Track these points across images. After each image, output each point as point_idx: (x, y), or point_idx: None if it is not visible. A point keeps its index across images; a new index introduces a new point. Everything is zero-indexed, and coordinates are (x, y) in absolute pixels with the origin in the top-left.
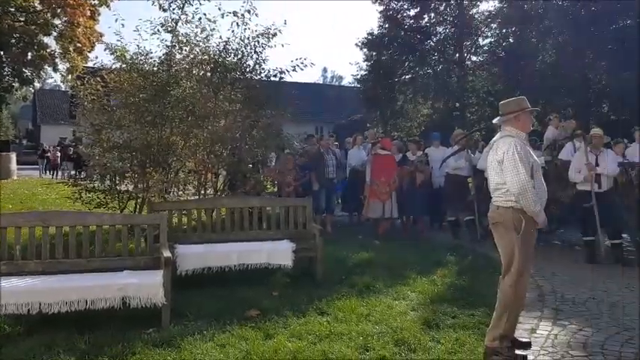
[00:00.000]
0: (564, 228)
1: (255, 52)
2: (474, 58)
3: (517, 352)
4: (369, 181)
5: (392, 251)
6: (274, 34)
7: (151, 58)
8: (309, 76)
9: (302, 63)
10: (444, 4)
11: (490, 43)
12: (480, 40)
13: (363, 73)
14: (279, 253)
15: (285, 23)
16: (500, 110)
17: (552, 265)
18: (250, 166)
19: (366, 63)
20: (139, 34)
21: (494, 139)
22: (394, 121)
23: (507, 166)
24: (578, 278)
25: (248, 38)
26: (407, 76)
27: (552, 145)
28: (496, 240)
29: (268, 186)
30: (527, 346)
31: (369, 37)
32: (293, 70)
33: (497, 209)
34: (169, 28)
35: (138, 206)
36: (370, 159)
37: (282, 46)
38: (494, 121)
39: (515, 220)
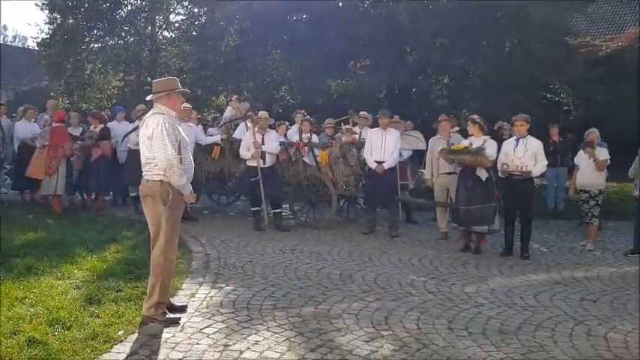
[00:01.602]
0: (240, 200)
1: None
2: (165, 34)
3: (170, 315)
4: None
5: (66, 229)
6: None
7: None
8: None
9: None
10: None
11: (182, 20)
12: (172, 16)
13: (44, 36)
14: None
15: None
16: (153, 88)
17: (224, 235)
18: None
19: (48, 26)
20: None
21: (146, 115)
22: (82, 91)
23: (156, 142)
24: (243, 245)
25: None
26: (96, 45)
27: (229, 124)
28: (145, 212)
29: None
30: (182, 309)
31: None
32: None
33: (147, 182)
34: None
35: None
36: (48, 131)
37: None
38: (147, 98)
39: (164, 192)
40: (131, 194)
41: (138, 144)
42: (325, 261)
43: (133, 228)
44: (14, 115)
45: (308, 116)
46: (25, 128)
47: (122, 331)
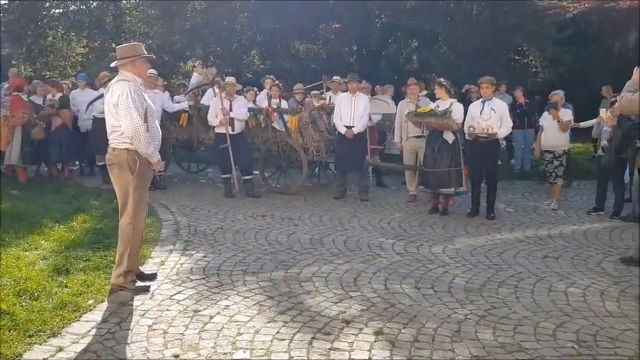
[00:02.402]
0: (211, 167)
1: None
2: None
3: (139, 283)
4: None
5: (32, 200)
6: None
7: None
8: None
9: None
10: None
11: None
12: None
13: (3, 1)
14: None
15: None
16: (118, 54)
17: (194, 202)
18: None
19: None
20: None
21: (111, 82)
22: (44, 59)
23: (122, 110)
24: (214, 212)
25: None
26: (57, 10)
27: (196, 90)
28: (113, 181)
29: None
30: (152, 277)
31: None
32: None
33: (113, 151)
34: None
35: None
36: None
37: None
38: (112, 64)
39: (131, 161)
40: (98, 163)
41: (103, 112)
42: (296, 226)
43: (100, 197)
44: None
45: (277, 81)
46: None
47: (91, 300)
